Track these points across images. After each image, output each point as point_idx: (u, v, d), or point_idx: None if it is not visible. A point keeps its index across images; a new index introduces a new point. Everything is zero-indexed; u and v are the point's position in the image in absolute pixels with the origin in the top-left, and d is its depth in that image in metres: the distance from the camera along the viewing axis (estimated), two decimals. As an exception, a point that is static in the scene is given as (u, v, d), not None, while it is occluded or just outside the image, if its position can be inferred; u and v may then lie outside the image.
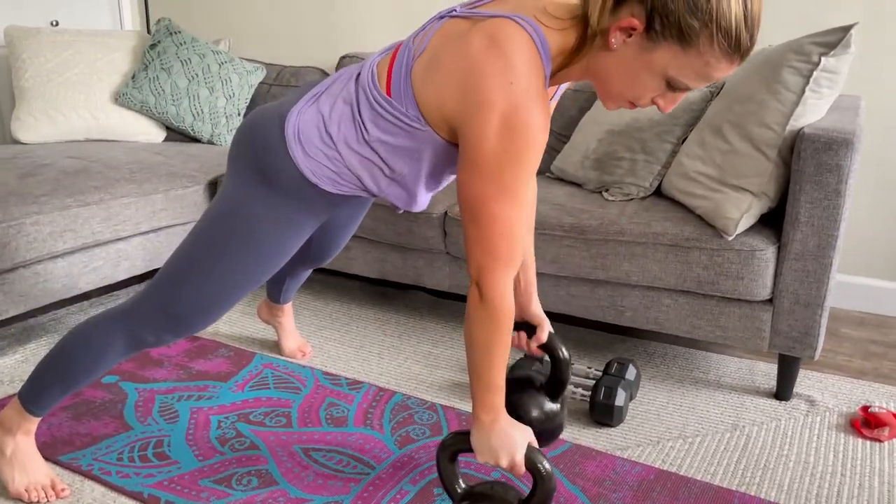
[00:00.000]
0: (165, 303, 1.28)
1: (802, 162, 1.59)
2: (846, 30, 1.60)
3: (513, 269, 1.08)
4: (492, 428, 1.16)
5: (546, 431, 1.37)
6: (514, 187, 1.02)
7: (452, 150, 1.12)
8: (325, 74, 2.97)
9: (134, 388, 1.80)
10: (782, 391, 1.79)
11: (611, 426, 1.66)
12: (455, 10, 1.11)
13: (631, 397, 1.71)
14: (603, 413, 1.64)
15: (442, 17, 1.12)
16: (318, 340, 2.10)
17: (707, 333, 1.79)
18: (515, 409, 1.37)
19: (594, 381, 1.78)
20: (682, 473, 1.49)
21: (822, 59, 1.62)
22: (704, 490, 1.43)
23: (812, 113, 1.66)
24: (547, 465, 1.17)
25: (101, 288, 2.51)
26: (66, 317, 2.26)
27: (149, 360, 1.95)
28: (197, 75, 2.77)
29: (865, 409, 1.71)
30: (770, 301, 1.71)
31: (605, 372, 1.73)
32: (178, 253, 1.30)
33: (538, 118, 0.98)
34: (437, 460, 1.25)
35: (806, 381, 1.89)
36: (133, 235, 2.20)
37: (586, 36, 0.99)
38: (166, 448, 1.55)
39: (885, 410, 1.69)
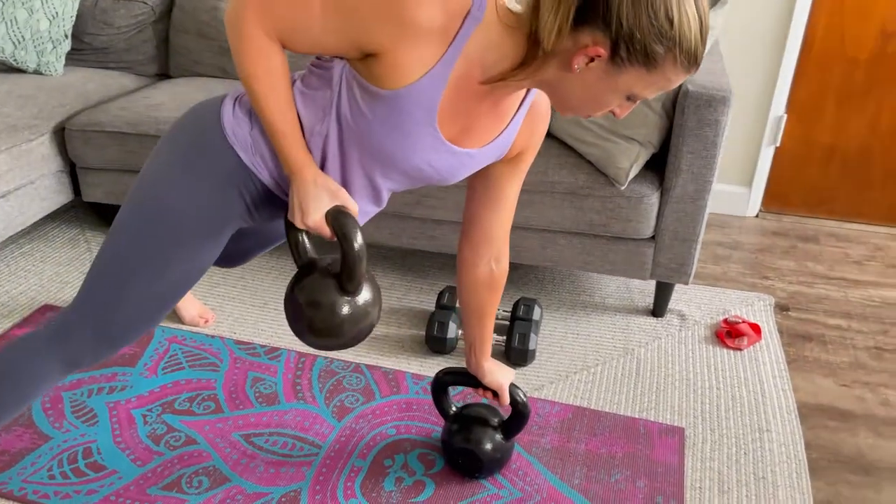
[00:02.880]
0: (100, 325, 1.20)
1: (685, 117, 1.73)
2: (725, -12, 1.70)
3: (267, 20, 1.02)
4: (293, 182, 1.12)
5: (496, 462, 1.45)
6: None
7: (367, 85, 1.05)
8: (163, -15, 2.64)
9: (33, 387, 1.69)
10: (658, 309, 2.04)
11: (524, 366, 1.82)
12: None
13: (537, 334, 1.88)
14: (518, 357, 1.79)
15: None
16: (216, 302, 2.05)
17: (598, 267, 1.96)
18: (470, 442, 1.42)
19: (506, 325, 1.92)
20: (593, 407, 1.70)
21: (703, 15, 1.72)
22: (615, 422, 1.65)
23: (691, 64, 1.78)
24: (359, 238, 1.10)
25: (-61, 256, 2.23)
26: (-89, 301, 2.00)
27: (36, 349, 1.81)
28: (9, -6, 2.36)
29: (726, 321, 2.00)
30: (653, 238, 1.90)
31: (514, 314, 1.87)
32: (102, 269, 1.20)
33: None
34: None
35: (673, 293, 2.15)
36: (-19, 206, 1.96)
37: (535, 55, 0.97)
38: (98, 456, 1.50)
39: (740, 321, 1.99)
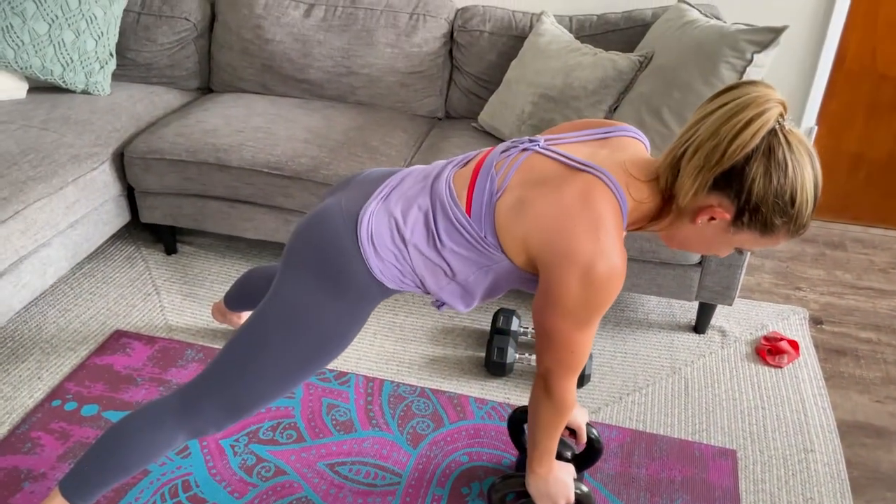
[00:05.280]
0: (229, 404, 1.31)
1: (737, 154, 1.81)
2: (778, 31, 1.77)
3: (578, 373, 1.23)
4: (548, 478, 1.37)
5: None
6: (591, 323, 1.14)
7: (525, 275, 1.21)
8: None
9: (122, 419, 1.79)
10: (700, 326, 2.15)
11: (578, 389, 1.94)
12: (538, 144, 1.15)
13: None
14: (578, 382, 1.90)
15: (525, 149, 1.15)
16: (279, 323, 2.14)
17: (645, 289, 2.07)
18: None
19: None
20: (649, 431, 1.81)
21: (755, 56, 1.79)
22: (671, 446, 1.77)
23: (740, 101, 1.85)
24: (584, 488, 1.42)
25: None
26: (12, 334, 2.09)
27: (118, 378, 1.91)
28: (57, 17, 2.40)
29: (766, 338, 2.11)
30: (700, 264, 2.00)
31: (568, 339, 1.97)
32: (238, 357, 1.29)
33: (619, 268, 1.09)
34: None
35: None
36: (54, 237, 2.04)
37: (669, 210, 1.11)
38: (197, 489, 1.62)
39: (779, 337, 2.10)
